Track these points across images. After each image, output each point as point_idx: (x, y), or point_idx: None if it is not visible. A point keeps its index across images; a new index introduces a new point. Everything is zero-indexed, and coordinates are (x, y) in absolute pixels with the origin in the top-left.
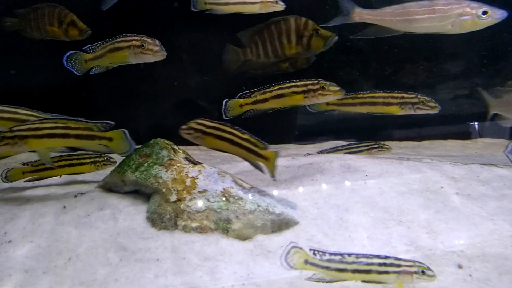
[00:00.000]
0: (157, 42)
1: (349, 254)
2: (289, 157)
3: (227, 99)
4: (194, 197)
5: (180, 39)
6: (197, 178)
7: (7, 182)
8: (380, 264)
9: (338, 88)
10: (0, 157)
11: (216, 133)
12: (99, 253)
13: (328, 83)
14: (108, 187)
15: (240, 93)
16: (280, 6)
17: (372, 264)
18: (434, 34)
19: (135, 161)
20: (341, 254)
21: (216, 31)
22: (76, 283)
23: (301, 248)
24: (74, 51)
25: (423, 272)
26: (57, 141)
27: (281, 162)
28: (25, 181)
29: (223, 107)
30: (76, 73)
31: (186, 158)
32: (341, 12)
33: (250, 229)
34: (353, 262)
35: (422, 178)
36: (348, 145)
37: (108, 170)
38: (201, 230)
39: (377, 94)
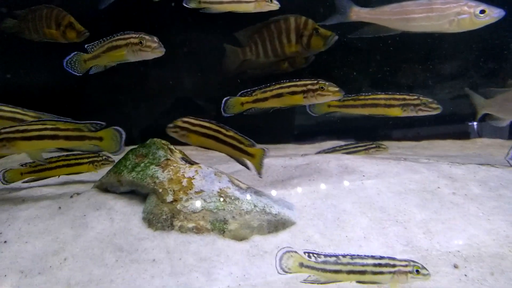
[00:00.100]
0: (155, 38)
1: (344, 255)
2: (287, 157)
3: (228, 97)
4: (191, 198)
5: (176, 38)
6: (194, 179)
7: (6, 184)
8: (375, 265)
9: (337, 89)
10: None
11: (202, 131)
12: (95, 253)
13: (327, 83)
14: (104, 188)
15: (242, 91)
16: (275, 6)
17: (367, 264)
18: (433, 33)
19: (132, 161)
20: (336, 256)
21: (213, 31)
22: (71, 283)
23: (295, 252)
24: (74, 53)
25: (417, 271)
26: (46, 142)
27: (278, 162)
28: (24, 182)
29: (224, 104)
30: (76, 74)
31: (182, 158)
32: (338, 11)
33: (247, 229)
34: (348, 263)
35: (419, 178)
36: (346, 145)
37: (105, 169)
38: (198, 230)
39: (378, 96)
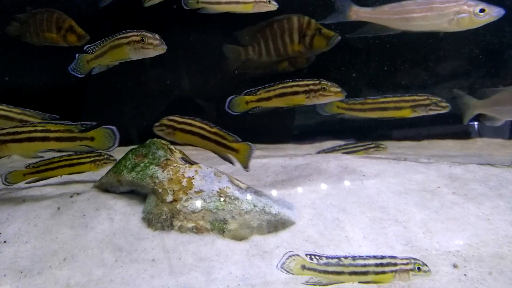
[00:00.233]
0: (157, 36)
1: (346, 257)
2: (287, 157)
3: (233, 96)
4: (190, 198)
5: (176, 38)
6: (194, 178)
7: (8, 185)
8: (377, 265)
9: (339, 89)
10: None
11: (187, 128)
12: (94, 253)
13: (329, 83)
14: (104, 187)
15: (246, 90)
16: (273, 6)
17: (369, 265)
18: (433, 32)
19: (131, 161)
20: (337, 257)
21: (212, 31)
22: (71, 283)
23: (297, 255)
24: (77, 54)
25: (418, 268)
26: (37, 144)
27: (278, 162)
28: (26, 182)
29: (229, 103)
30: (79, 75)
31: (182, 158)
32: (337, 10)
33: (246, 229)
34: (350, 264)
35: (419, 178)
36: (345, 145)
37: (106, 169)
38: (197, 230)
39: (388, 99)
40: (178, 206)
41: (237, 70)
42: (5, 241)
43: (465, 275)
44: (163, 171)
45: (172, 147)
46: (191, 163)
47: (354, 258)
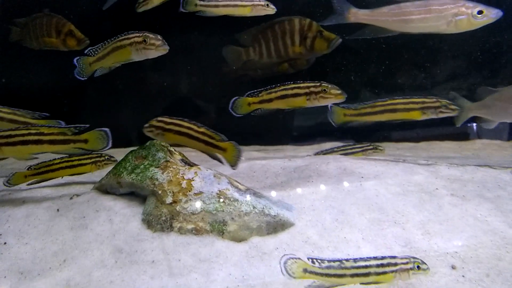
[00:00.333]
0: (159, 36)
1: (347, 259)
2: (286, 158)
3: (237, 97)
4: (190, 199)
5: (176, 40)
6: (193, 180)
7: (9, 186)
8: (377, 265)
9: (339, 91)
10: None
11: (175, 129)
12: (94, 255)
13: (330, 85)
14: (104, 189)
15: (249, 92)
16: (271, 10)
17: (370, 266)
18: (431, 34)
19: (131, 163)
20: (339, 260)
21: (213, 32)
22: (71, 285)
23: (299, 258)
24: (78, 57)
25: (418, 267)
26: (31, 147)
27: (277, 163)
28: (28, 184)
29: (232, 104)
30: (82, 78)
31: (182, 160)
32: (336, 12)
33: (246, 231)
34: (352, 267)
35: (418, 180)
36: (343, 146)
37: (107, 170)
38: (197, 232)
39: (397, 101)
40: (178, 208)
41: (237, 71)
42: (5, 243)
43: (463, 276)
44: (162, 173)
45: (172, 148)
46: (190, 164)
47: (355, 260)
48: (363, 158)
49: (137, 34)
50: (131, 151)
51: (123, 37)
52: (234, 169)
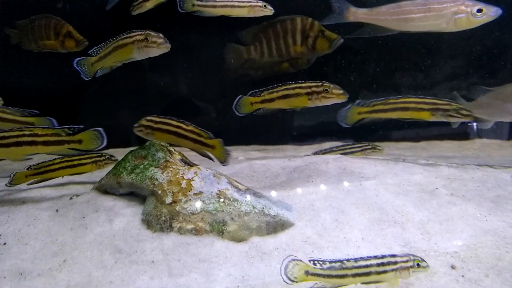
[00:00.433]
0: (161, 34)
1: (348, 259)
2: (286, 158)
3: (240, 96)
4: (190, 199)
5: (176, 39)
6: (193, 180)
7: (10, 186)
8: (378, 264)
9: (341, 91)
10: None
11: (164, 128)
12: (94, 255)
13: (331, 85)
14: (103, 189)
15: (251, 91)
16: (269, 11)
17: (371, 265)
18: (431, 33)
19: (131, 163)
20: (340, 261)
21: (213, 32)
22: (71, 285)
23: (300, 260)
24: (81, 58)
25: (418, 265)
26: (25, 149)
27: (277, 163)
28: (29, 184)
29: (236, 103)
30: (85, 78)
31: (182, 160)
32: (335, 11)
33: (245, 231)
34: (353, 267)
35: (417, 179)
36: (342, 146)
37: (107, 170)
38: (196, 232)
39: (409, 99)
40: (178, 208)
41: (238, 71)
42: (5, 243)
43: (463, 276)
44: (162, 173)
45: (171, 148)
46: (190, 164)
47: (356, 260)
48: (363, 157)
49: (139, 32)
50: (131, 151)
51: (125, 36)
52: (224, 165)
